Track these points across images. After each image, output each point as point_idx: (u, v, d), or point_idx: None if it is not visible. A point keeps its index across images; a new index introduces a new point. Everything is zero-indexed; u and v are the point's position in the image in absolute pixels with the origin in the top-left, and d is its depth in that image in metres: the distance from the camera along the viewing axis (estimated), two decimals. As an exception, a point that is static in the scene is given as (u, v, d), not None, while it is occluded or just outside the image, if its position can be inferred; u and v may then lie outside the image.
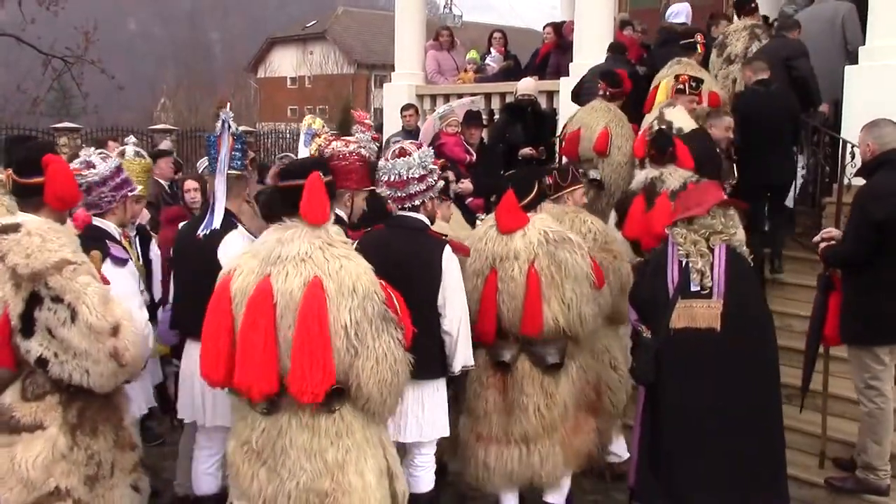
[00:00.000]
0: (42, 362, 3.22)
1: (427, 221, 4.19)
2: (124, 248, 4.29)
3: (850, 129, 6.60)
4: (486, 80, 10.81)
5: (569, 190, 5.13)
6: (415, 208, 4.14)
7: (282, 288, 3.20)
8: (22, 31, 19.73)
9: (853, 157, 6.54)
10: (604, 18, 9.37)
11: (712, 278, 4.03)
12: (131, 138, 6.05)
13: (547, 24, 11.02)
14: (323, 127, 5.12)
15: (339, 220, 4.06)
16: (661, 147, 5.71)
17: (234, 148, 4.35)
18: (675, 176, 5.54)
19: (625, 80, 7.30)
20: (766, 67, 7.01)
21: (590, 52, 9.11)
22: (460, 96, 10.07)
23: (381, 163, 4.20)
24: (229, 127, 4.32)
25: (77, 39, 20.24)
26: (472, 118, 8.15)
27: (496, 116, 9.96)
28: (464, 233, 5.02)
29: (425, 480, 4.26)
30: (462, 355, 4.16)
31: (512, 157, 8.10)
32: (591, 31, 9.23)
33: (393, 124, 10.25)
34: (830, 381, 5.32)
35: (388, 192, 4.15)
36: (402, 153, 4.09)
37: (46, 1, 19.44)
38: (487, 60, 11.07)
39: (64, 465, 3.25)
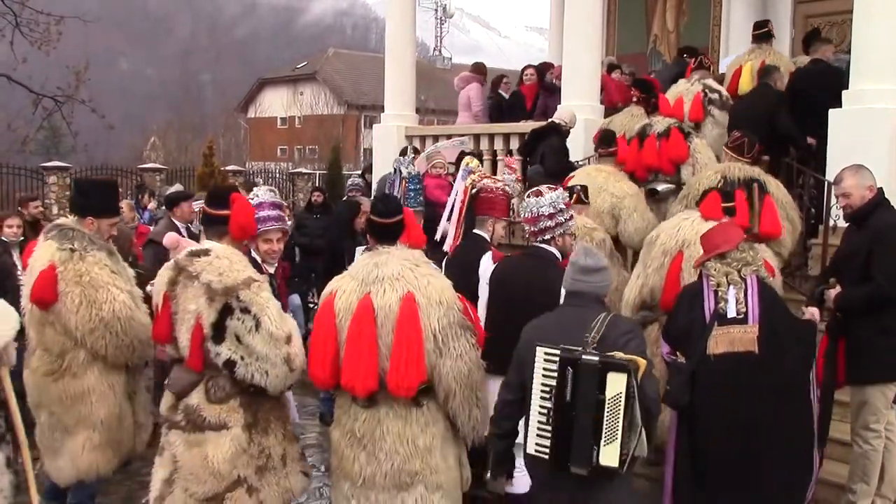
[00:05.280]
0: (230, 364, 3.79)
1: (557, 253, 4.75)
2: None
3: (834, 171, 6.66)
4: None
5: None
6: (545, 241, 4.74)
7: (380, 303, 3.81)
8: (13, 71, 19.78)
9: (838, 198, 6.58)
10: (592, 62, 9.51)
11: (746, 304, 4.23)
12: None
13: (527, 66, 11.03)
14: (478, 166, 6.12)
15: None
16: (648, 100, 7.60)
17: (408, 188, 4.98)
18: (661, 122, 7.08)
19: (656, 88, 7.90)
20: (827, 48, 7.57)
21: (578, 94, 9.25)
22: (449, 137, 10.13)
23: (522, 202, 4.83)
24: (401, 172, 5.02)
25: (68, 78, 20.30)
26: None
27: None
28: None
29: (522, 482, 4.52)
30: None
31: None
32: (578, 74, 9.38)
33: (383, 164, 10.29)
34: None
35: (526, 227, 4.82)
36: (538, 194, 4.73)
37: (39, 41, 19.51)
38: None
39: (244, 458, 3.86)
